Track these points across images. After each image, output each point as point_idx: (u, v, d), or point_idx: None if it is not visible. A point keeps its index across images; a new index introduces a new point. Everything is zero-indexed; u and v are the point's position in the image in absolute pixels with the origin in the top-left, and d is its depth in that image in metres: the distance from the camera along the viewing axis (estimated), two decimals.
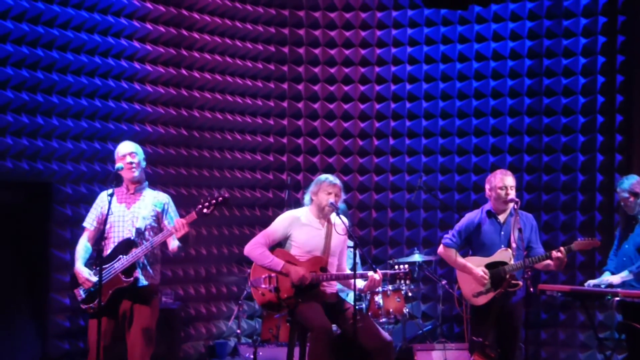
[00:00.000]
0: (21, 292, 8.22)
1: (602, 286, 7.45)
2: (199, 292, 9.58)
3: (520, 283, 7.13)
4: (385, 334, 6.79)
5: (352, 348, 6.63)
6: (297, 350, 6.99)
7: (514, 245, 7.19)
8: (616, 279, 7.46)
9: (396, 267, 6.96)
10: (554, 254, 7.06)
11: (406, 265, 6.97)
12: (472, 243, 7.47)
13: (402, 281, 6.98)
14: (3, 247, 8.05)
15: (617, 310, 8.71)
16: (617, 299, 7.30)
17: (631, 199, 7.53)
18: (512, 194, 7.29)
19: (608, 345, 8.68)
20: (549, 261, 7.14)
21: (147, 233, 6.62)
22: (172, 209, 6.77)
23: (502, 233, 7.33)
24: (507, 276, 7.13)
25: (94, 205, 6.78)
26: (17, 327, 8.19)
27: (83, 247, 6.67)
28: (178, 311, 8.84)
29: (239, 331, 9.18)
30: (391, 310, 8.61)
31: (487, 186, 7.44)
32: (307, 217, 6.99)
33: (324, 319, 6.69)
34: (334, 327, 6.94)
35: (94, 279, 6.45)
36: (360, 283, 6.83)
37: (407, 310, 8.75)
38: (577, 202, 9.49)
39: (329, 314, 6.80)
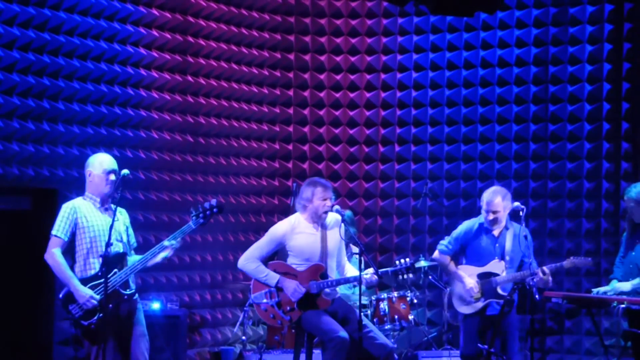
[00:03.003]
0: (26, 298, 8.22)
1: (611, 293, 7.43)
2: (204, 299, 9.57)
3: (508, 297, 7.10)
4: (388, 342, 6.77)
5: (358, 355, 6.62)
6: (302, 357, 6.98)
7: (507, 257, 7.20)
8: (627, 286, 7.43)
9: (397, 262, 6.88)
10: (539, 273, 7.08)
11: (407, 260, 6.81)
12: (466, 251, 7.46)
13: (405, 276, 6.88)
14: (9, 253, 8.05)
15: (622, 317, 8.68)
16: (623, 306, 7.29)
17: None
18: (496, 215, 7.23)
19: (614, 352, 8.66)
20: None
21: (128, 246, 6.58)
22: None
23: (497, 245, 7.33)
24: (498, 288, 7.16)
25: (66, 215, 6.43)
26: (22, 334, 8.20)
27: (66, 262, 6.33)
28: (183, 318, 8.83)
29: (244, 338, 9.17)
30: (396, 317, 8.60)
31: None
32: (300, 223, 6.89)
33: (338, 326, 6.63)
34: None
35: (97, 296, 6.24)
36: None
37: (413, 317, 8.73)
38: (582, 209, 9.47)
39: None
